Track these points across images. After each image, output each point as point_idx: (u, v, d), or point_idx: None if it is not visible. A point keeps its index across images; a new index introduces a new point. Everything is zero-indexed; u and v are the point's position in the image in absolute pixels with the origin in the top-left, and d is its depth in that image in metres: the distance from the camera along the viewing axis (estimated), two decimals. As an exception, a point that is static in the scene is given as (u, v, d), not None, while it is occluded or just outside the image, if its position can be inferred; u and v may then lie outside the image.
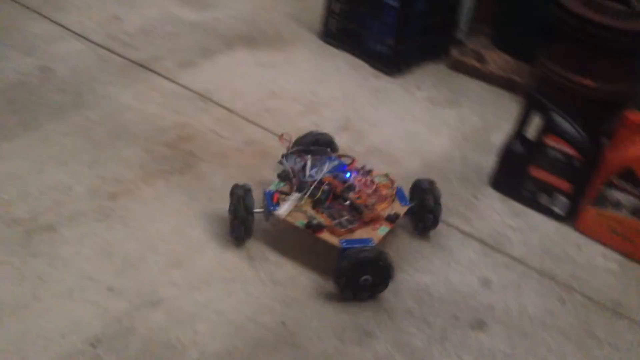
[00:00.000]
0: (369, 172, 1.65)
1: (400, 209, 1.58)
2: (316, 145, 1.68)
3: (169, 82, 2.13)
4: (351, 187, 1.57)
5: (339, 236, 1.46)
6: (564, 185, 1.73)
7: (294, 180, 1.57)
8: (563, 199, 1.74)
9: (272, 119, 2.04)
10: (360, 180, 1.60)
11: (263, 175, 1.78)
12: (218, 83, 2.17)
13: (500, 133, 2.01)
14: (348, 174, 1.61)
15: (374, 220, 1.52)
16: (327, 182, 1.55)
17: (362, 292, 1.45)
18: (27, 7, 2.36)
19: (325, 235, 1.47)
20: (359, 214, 1.51)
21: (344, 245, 1.44)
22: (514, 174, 1.81)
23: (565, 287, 1.58)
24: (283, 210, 1.50)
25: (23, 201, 1.56)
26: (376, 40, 2.43)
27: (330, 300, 1.46)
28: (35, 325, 1.28)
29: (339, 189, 1.55)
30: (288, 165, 1.60)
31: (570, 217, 1.78)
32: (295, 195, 1.53)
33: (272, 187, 1.57)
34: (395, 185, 1.63)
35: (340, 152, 1.73)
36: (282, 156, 1.64)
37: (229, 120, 2.01)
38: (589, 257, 1.68)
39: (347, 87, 2.30)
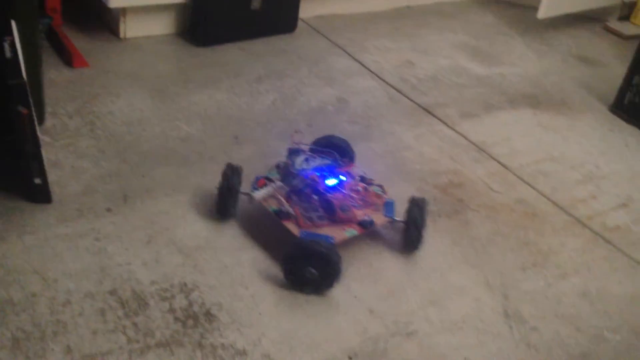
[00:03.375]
0: (366, 180, 1.68)
1: (381, 219, 1.61)
2: (331, 149, 1.73)
3: (449, 129, 2.22)
4: (335, 188, 1.61)
5: (304, 228, 1.52)
6: None
7: (282, 171, 1.65)
8: None
9: (547, 183, 2.01)
10: (350, 184, 1.63)
11: (529, 237, 1.78)
12: (496, 137, 2.21)
13: None
14: (339, 176, 1.64)
15: (345, 222, 1.56)
16: (311, 178, 1.60)
17: (306, 285, 1.47)
18: (336, 45, 2.65)
19: (289, 224, 1.53)
20: (332, 213, 1.55)
21: (302, 235, 1.50)
22: None
23: None
24: (259, 194, 1.59)
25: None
26: (675, 120, 2.26)
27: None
28: (304, 326, 1.43)
29: (321, 187, 1.60)
30: (287, 158, 1.67)
31: None
32: (277, 184, 1.61)
33: (265, 174, 1.66)
34: (386, 197, 1.66)
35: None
36: (289, 149, 1.70)
37: (502, 176, 2.03)
38: None
39: (634, 165, 2.18)
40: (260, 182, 1.63)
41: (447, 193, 1.92)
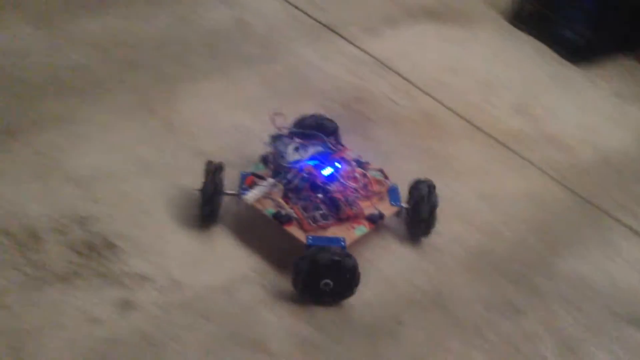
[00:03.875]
0: (363, 164, 1.49)
1: (388, 209, 1.43)
2: (318, 130, 1.51)
3: (353, 47, 2.20)
4: (334, 178, 1.40)
5: (309, 231, 1.33)
6: None
7: (272, 165, 1.43)
8: None
9: (448, 94, 2.05)
10: (348, 172, 1.44)
11: (430, 145, 1.82)
12: (399, 52, 2.21)
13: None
14: (334, 164, 1.43)
15: (352, 218, 1.37)
16: (306, 171, 1.39)
17: (323, 297, 1.31)
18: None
19: (292, 229, 1.33)
20: (337, 210, 1.37)
21: (310, 241, 1.31)
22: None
23: None
24: (251, 195, 1.37)
25: (209, 137, 1.71)
26: (568, 27, 2.34)
27: (481, 276, 1.47)
28: (210, 247, 1.42)
29: (319, 179, 1.39)
30: (272, 148, 1.45)
31: None
32: (269, 181, 1.39)
33: (251, 169, 1.45)
34: (389, 182, 1.47)
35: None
36: (271, 137, 1.47)
37: (405, 89, 2.05)
38: None
39: (528, 72, 2.25)
40: (249, 179, 1.41)
41: (352, 109, 1.92)
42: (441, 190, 1.66)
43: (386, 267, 1.44)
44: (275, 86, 1.94)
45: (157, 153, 1.61)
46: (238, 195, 1.40)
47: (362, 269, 1.30)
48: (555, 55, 2.35)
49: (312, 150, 1.45)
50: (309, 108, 1.86)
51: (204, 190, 1.38)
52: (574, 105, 2.11)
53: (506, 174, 1.78)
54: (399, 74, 2.10)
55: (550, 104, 2.10)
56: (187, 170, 1.54)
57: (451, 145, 1.84)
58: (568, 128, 1.99)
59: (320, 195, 1.38)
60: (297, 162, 1.41)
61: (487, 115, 1.99)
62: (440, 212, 1.59)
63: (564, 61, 2.33)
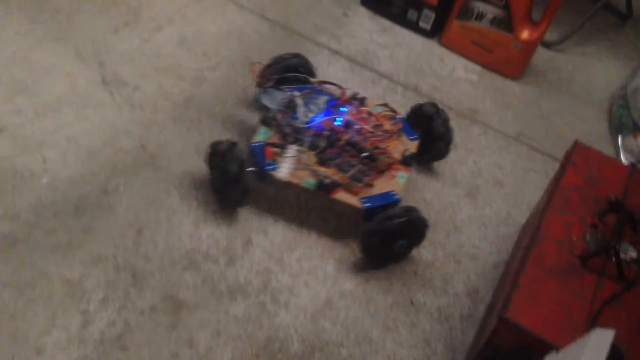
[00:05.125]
0: (363, 101, 1.37)
1: (410, 144, 1.32)
2: (290, 71, 1.37)
3: None
4: (349, 125, 1.29)
5: (358, 194, 1.22)
6: (432, -1, 1.71)
7: (287, 129, 1.26)
8: (430, 14, 1.72)
9: None
10: (357, 116, 1.32)
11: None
12: None
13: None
14: (342, 111, 1.32)
15: (390, 166, 1.28)
16: (327, 127, 1.27)
17: (399, 254, 1.25)
18: None
19: (341, 196, 1.21)
20: (372, 162, 1.26)
21: (366, 205, 1.20)
22: (383, -10, 1.76)
23: (427, 97, 1.60)
24: (285, 170, 1.21)
25: None
26: None
27: (190, 124, 1.40)
28: None
29: (343, 135, 1.27)
30: (272, 105, 1.30)
31: (436, 32, 1.78)
32: (293, 149, 1.25)
33: (259, 137, 1.26)
34: (397, 115, 1.36)
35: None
36: (259, 92, 1.33)
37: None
38: (450, 70, 1.71)
39: None
40: (267, 151, 1.23)
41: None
42: (135, 43, 1.54)
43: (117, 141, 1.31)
44: None
45: None
46: (260, 173, 1.22)
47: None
48: None
49: (322, 101, 1.31)
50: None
51: (227, 172, 1.17)
52: None
53: (204, 15, 1.68)
54: None
55: None
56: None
57: (140, -7, 1.68)
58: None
59: (351, 150, 1.26)
60: (314, 119, 1.28)
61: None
62: (137, 67, 1.48)
63: None
